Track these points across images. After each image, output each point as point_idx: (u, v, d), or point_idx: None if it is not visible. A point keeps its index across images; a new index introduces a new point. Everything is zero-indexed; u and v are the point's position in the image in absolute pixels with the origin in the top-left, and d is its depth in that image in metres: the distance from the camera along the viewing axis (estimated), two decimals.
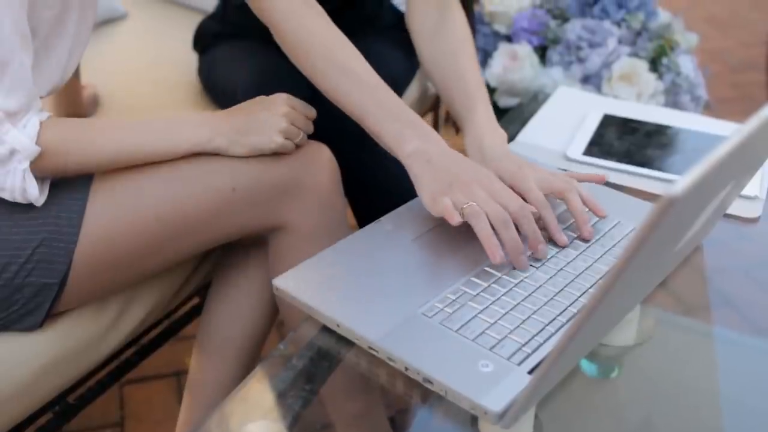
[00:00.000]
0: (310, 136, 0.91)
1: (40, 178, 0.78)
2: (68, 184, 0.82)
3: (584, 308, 0.49)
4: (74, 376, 0.90)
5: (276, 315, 1.02)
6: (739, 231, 0.87)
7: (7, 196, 0.77)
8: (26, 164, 0.76)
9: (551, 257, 0.77)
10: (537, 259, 0.76)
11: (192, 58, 1.39)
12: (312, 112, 0.90)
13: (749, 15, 3.37)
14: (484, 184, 0.76)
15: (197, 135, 0.84)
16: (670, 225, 0.46)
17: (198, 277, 1.04)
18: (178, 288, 1.01)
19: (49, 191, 0.80)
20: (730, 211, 0.88)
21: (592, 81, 1.39)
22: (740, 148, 0.47)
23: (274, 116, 0.85)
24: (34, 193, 0.77)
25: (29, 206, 0.79)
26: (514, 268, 0.75)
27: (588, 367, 0.70)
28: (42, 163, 0.77)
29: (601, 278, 0.74)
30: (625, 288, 0.53)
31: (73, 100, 1.21)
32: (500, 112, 1.43)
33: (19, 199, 0.78)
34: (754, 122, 0.48)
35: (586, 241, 0.79)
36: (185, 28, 1.47)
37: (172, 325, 1.13)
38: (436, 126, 1.68)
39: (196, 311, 1.14)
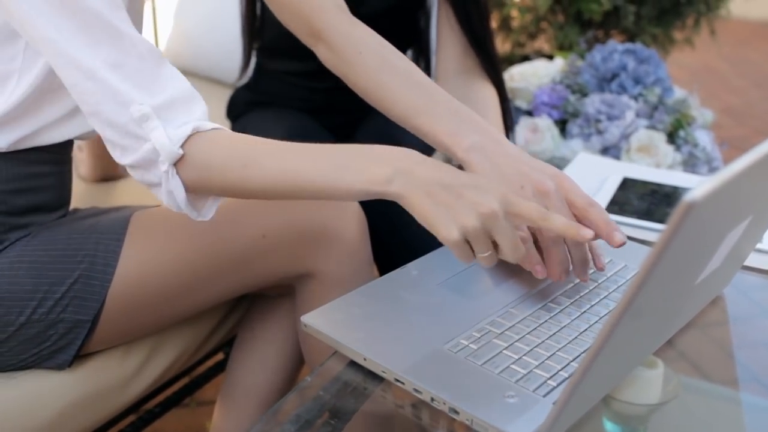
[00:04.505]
0: None
1: (194, 193, 0.74)
2: (106, 223, 0.85)
3: (609, 321, 0.50)
4: (98, 420, 0.91)
5: (301, 367, 1.03)
6: (760, 283, 0.88)
7: (164, 199, 0.74)
8: (166, 166, 0.71)
9: (574, 300, 0.78)
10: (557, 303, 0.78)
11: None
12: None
13: (764, 105, 3.45)
14: (554, 179, 0.76)
15: (378, 174, 0.69)
16: (690, 236, 0.48)
17: (224, 329, 1.05)
18: (205, 338, 1.02)
19: (86, 229, 0.83)
20: (749, 263, 0.89)
21: (611, 152, 1.43)
22: (758, 167, 0.49)
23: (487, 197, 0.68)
24: (181, 197, 0.73)
25: (66, 243, 0.82)
26: (540, 308, 0.76)
27: (613, 429, 0.70)
28: (186, 172, 0.72)
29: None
30: (648, 308, 0.54)
31: (110, 162, 1.26)
32: None
33: (172, 205, 0.73)
34: None
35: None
36: (218, 101, 1.53)
37: (196, 380, 1.13)
38: None
39: (221, 367, 1.15)
